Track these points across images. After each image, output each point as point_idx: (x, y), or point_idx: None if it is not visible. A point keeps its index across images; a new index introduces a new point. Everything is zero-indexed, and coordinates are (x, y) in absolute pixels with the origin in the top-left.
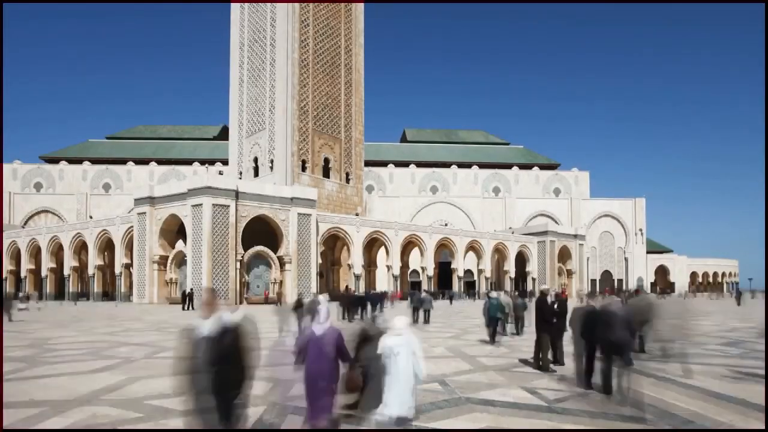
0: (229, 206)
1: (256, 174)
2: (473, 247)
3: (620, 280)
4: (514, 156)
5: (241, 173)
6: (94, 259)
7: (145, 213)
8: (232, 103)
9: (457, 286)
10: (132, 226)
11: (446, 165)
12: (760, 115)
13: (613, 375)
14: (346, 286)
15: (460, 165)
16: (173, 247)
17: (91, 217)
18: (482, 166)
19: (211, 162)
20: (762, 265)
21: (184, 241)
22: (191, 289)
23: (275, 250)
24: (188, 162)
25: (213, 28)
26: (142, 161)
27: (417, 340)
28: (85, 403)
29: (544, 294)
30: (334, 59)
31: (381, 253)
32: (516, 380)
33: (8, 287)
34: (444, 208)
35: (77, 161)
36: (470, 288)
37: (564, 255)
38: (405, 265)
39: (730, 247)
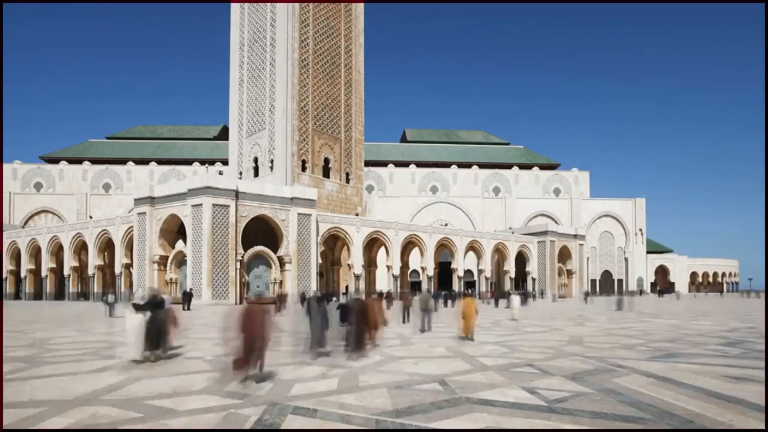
0: (229, 206)
1: (256, 174)
2: (473, 247)
3: (620, 280)
4: (514, 156)
5: (241, 173)
6: (94, 259)
7: (145, 213)
8: (232, 103)
9: (457, 286)
10: (132, 226)
11: (446, 165)
12: (760, 114)
13: None
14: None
15: (460, 165)
16: (173, 247)
17: (91, 217)
18: (482, 166)
19: (211, 162)
20: (762, 265)
21: (184, 241)
22: (191, 289)
23: (275, 250)
24: (188, 162)
25: (213, 29)
26: (142, 161)
27: None
28: (85, 403)
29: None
30: (334, 59)
31: (381, 253)
32: (516, 380)
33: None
34: (444, 208)
35: (77, 161)
36: (470, 287)
37: (564, 255)
38: (405, 265)
39: (730, 247)
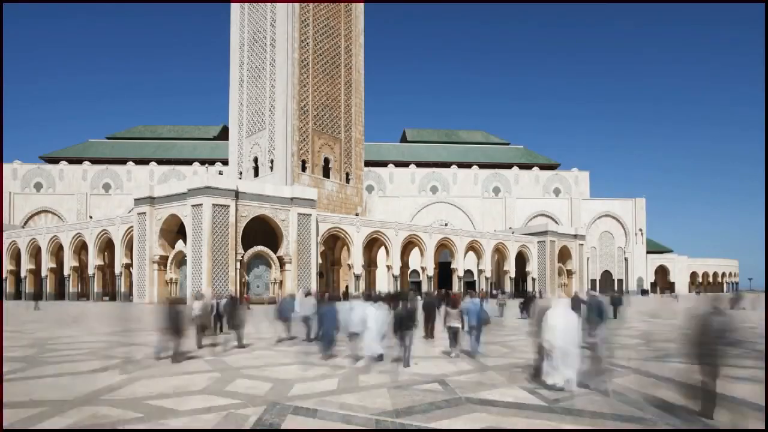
0: (229, 206)
1: (256, 174)
2: (473, 247)
3: (620, 280)
4: (514, 156)
5: (241, 173)
6: (94, 259)
7: (145, 213)
8: (232, 103)
9: (457, 286)
10: (132, 226)
11: (446, 165)
12: (760, 114)
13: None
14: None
15: (460, 165)
16: (173, 247)
17: (91, 217)
18: (482, 166)
19: (211, 162)
20: (762, 265)
21: (184, 241)
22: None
23: (275, 250)
24: (188, 162)
25: (213, 29)
26: (142, 161)
27: None
28: (85, 403)
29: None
30: (334, 59)
31: (381, 253)
32: (516, 380)
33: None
34: (444, 208)
35: (77, 161)
36: (470, 287)
37: (564, 255)
38: (405, 265)
39: (730, 247)
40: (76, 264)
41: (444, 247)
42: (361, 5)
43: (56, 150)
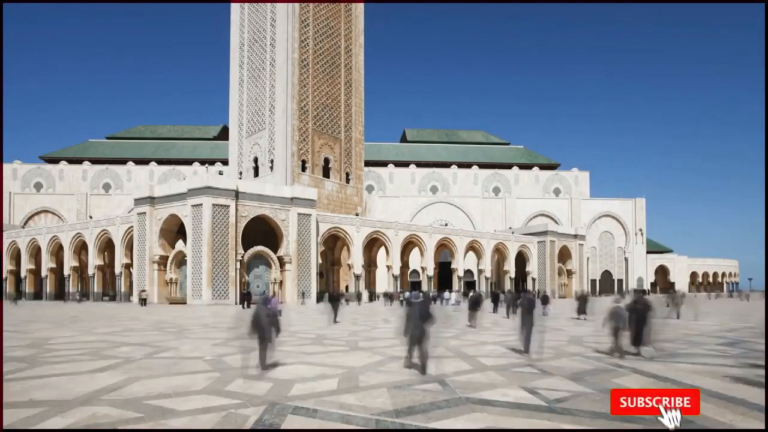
0: (229, 206)
1: (256, 174)
2: (473, 247)
3: (620, 280)
4: (514, 156)
5: (241, 173)
6: (94, 259)
7: (145, 213)
8: (232, 103)
9: (457, 286)
10: (132, 226)
11: (446, 165)
12: (760, 114)
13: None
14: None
15: (460, 165)
16: (173, 247)
17: (91, 217)
18: (482, 166)
19: (211, 162)
20: (762, 265)
21: (184, 241)
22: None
23: (275, 250)
24: (188, 162)
25: (213, 29)
26: (142, 161)
27: None
28: (85, 403)
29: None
30: (334, 59)
31: (381, 253)
32: (516, 380)
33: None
34: (444, 208)
35: (77, 161)
36: (470, 287)
37: (564, 255)
38: (405, 265)
39: (730, 247)
40: (76, 264)
41: (444, 247)
42: (361, 5)
43: (56, 150)
